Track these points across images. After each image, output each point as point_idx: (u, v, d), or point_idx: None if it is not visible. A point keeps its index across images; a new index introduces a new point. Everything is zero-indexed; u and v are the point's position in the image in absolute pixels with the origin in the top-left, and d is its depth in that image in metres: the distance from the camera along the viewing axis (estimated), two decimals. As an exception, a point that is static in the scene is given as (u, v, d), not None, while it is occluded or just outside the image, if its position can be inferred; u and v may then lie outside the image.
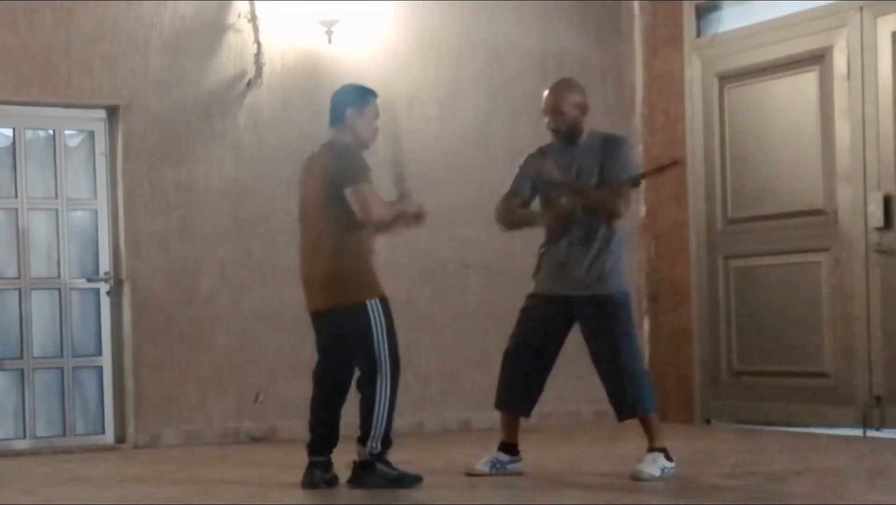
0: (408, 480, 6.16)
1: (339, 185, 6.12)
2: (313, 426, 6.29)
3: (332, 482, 6.24)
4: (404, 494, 6.03)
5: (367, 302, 6.14)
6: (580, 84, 6.64)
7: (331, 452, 6.27)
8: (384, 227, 6.32)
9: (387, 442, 6.16)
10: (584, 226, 6.38)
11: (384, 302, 6.19)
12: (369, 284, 6.18)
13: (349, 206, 6.12)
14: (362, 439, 6.13)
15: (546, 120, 6.52)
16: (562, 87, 6.56)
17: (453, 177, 8.99)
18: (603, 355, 6.41)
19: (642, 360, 6.55)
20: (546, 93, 6.55)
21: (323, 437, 6.27)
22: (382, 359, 6.12)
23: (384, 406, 6.11)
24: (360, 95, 6.37)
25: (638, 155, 9.40)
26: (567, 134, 6.47)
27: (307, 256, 6.32)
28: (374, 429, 6.09)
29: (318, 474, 6.23)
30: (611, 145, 6.47)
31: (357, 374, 6.31)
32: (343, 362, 6.29)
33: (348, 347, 6.24)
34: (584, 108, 6.49)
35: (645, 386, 6.40)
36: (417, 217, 6.40)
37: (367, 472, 6.13)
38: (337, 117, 6.34)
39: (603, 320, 6.39)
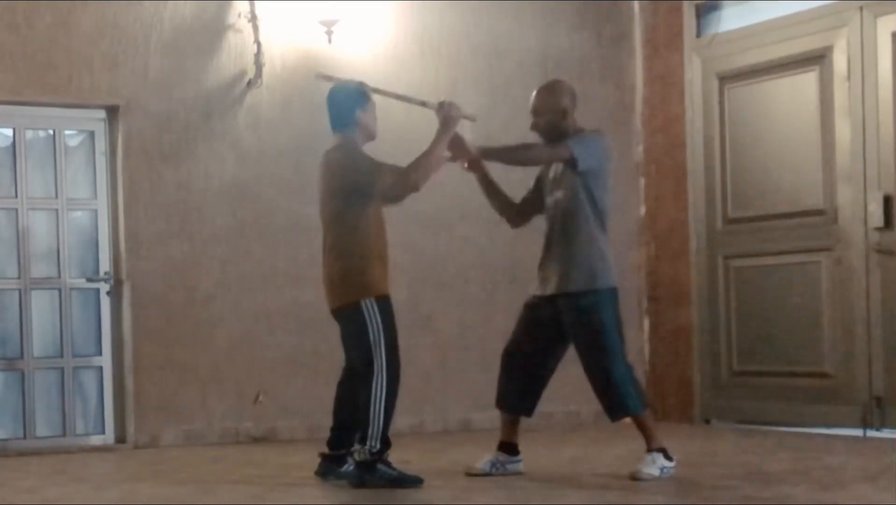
0: (408, 481, 6.17)
1: (349, 191, 6.20)
2: (333, 421, 6.45)
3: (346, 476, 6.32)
4: (404, 494, 6.03)
5: (361, 301, 6.18)
6: (569, 87, 6.63)
7: (340, 448, 6.34)
8: (431, 167, 6.28)
9: (386, 442, 6.16)
10: (560, 224, 6.40)
11: (382, 301, 6.21)
12: (365, 284, 6.20)
13: (351, 209, 6.20)
14: (361, 439, 6.14)
15: (530, 122, 6.58)
16: (546, 90, 6.62)
17: (453, 177, 8.96)
18: (583, 359, 6.43)
19: (623, 362, 6.40)
20: (533, 94, 6.62)
21: (335, 433, 6.40)
22: (378, 358, 6.13)
23: (380, 405, 6.10)
24: (361, 94, 6.44)
25: (638, 154, 9.43)
26: (548, 136, 6.51)
27: (323, 257, 6.40)
28: (371, 427, 6.09)
29: (325, 466, 6.36)
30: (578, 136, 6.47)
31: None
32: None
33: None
34: (564, 113, 6.49)
35: (626, 388, 6.35)
36: (457, 120, 6.38)
37: (368, 472, 6.13)
38: (344, 121, 6.37)
39: (577, 322, 6.37)
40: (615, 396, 6.35)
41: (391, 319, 6.23)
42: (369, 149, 6.44)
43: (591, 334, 6.35)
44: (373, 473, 6.12)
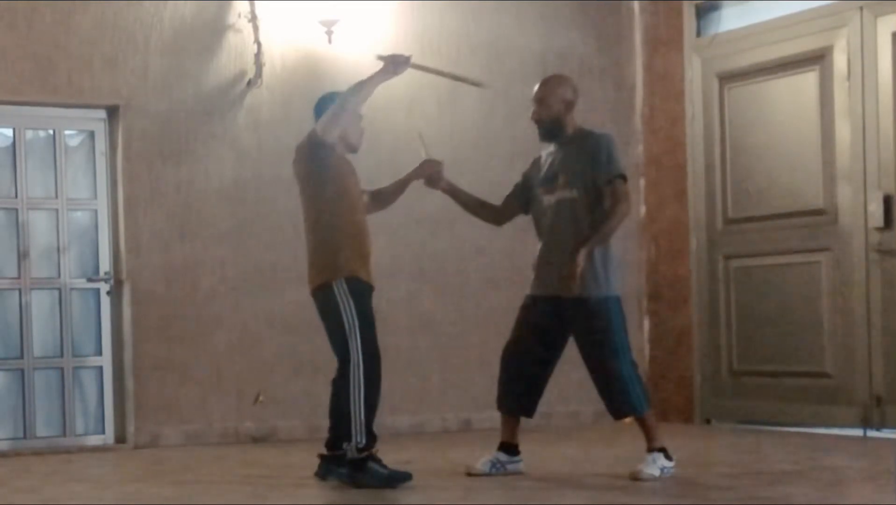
0: (399, 479, 6.13)
1: (304, 168, 6.20)
2: (329, 421, 6.34)
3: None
4: (404, 495, 6.02)
5: (333, 282, 6.08)
6: (573, 82, 6.66)
7: (337, 449, 6.23)
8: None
9: (371, 436, 6.10)
10: (570, 225, 6.39)
11: (353, 282, 6.10)
12: (336, 264, 6.09)
13: (316, 189, 6.17)
14: (347, 436, 6.08)
15: (532, 110, 6.55)
16: (552, 80, 6.62)
17: (453, 177, 8.90)
18: (588, 358, 6.42)
19: (632, 361, 6.44)
20: (538, 84, 6.60)
21: (331, 432, 6.30)
22: (353, 345, 6.03)
23: (359, 397, 6.00)
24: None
25: (638, 154, 9.43)
26: (548, 126, 6.51)
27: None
28: (354, 422, 6.01)
29: (324, 467, 6.26)
30: (589, 145, 6.43)
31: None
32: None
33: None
34: (569, 105, 6.50)
35: (632, 388, 6.36)
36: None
37: (359, 470, 6.09)
38: (317, 114, 6.36)
39: (584, 323, 6.36)
40: (620, 395, 6.35)
41: (365, 304, 6.11)
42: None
43: (598, 333, 6.34)
44: (364, 472, 6.07)
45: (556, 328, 6.48)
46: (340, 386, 6.15)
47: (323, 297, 6.15)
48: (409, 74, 8.88)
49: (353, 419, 6.02)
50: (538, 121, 6.55)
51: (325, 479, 6.37)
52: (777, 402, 8.59)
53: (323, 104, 6.38)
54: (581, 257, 6.23)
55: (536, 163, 6.67)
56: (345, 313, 6.05)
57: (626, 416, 6.44)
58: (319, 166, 6.19)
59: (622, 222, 6.42)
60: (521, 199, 6.70)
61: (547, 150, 6.63)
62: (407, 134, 8.76)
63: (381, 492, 6.05)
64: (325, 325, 6.25)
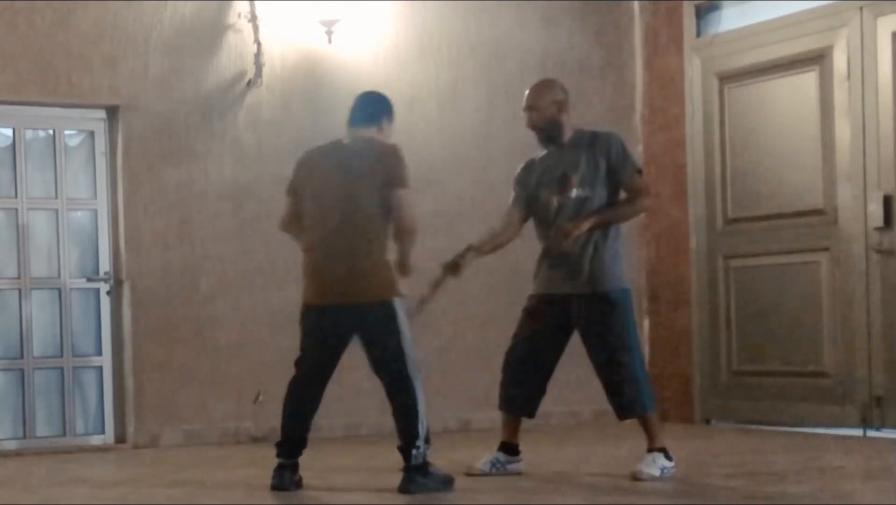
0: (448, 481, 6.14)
1: (386, 182, 6.07)
2: (289, 428, 6.22)
3: (298, 484, 6.20)
4: (403, 495, 6.01)
5: (393, 300, 6.10)
6: (561, 83, 6.67)
7: (301, 454, 6.22)
8: (408, 237, 6.23)
9: (428, 441, 6.12)
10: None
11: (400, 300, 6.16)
12: (395, 281, 6.14)
13: (386, 204, 6.09)
14: (408, 446, 6.01)
15: (525, 119, 6.57)
16: (539, 85, 6.66)
17: (453, 177, 8.99)
18: (601, 355, 6.39)
19: (642, 359, 6.51)
20: (526, 91, 6.61)
21: (300, 439, 6.22)
22: (409, 360, 6.08)
23: (423, 406, 6.08)
24: (392, 112, 6.35)
25: (638, 154, 9.43)
26: (546, 130, 6.52)
27: (331, 247, 6.15)
28: (422, 429, 6.03)
29: (288, 476, 6.17)
30: (601, 144, 6.46)
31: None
32: (335, 361, 6.26)
33: (345, 346, 6.19)
34: (561, 106, 6.52)
35: (644, 386, 6.38)
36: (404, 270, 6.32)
37: (425, 475, 6.04)
38: (371, 119, 6.24)
39: (601, 319, 6.37)
40: (632, 393, 6.34)
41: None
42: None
43: (614, 328, 6.35)
44: (428, 476, 6.04)
45: (561, 328, 6.49)
46: (316, 399, 6.20)
47: (381, 312, 6.07)
48: (408, 73, 8.97)
49: (420, 430, 6.02)
50: (534, 127, 6.57)
51: (292, 488, 6.19)
52: (777, 402, 8.59)
53: (371, 96, 6.36)
54: (585, 222, 6.30)
55: (529, 167, 6.65)
56: (403, 331, 6.09)
57: (634, 415, 6.42)
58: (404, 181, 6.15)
59: (637, 214, 6.71)
60: (526, 204, 6.66)
61: (541, 154, 6.62)
62: (407, 134, 8.76)
63: (381, 493, 6.05)
64: (371, 340, 6.14)
